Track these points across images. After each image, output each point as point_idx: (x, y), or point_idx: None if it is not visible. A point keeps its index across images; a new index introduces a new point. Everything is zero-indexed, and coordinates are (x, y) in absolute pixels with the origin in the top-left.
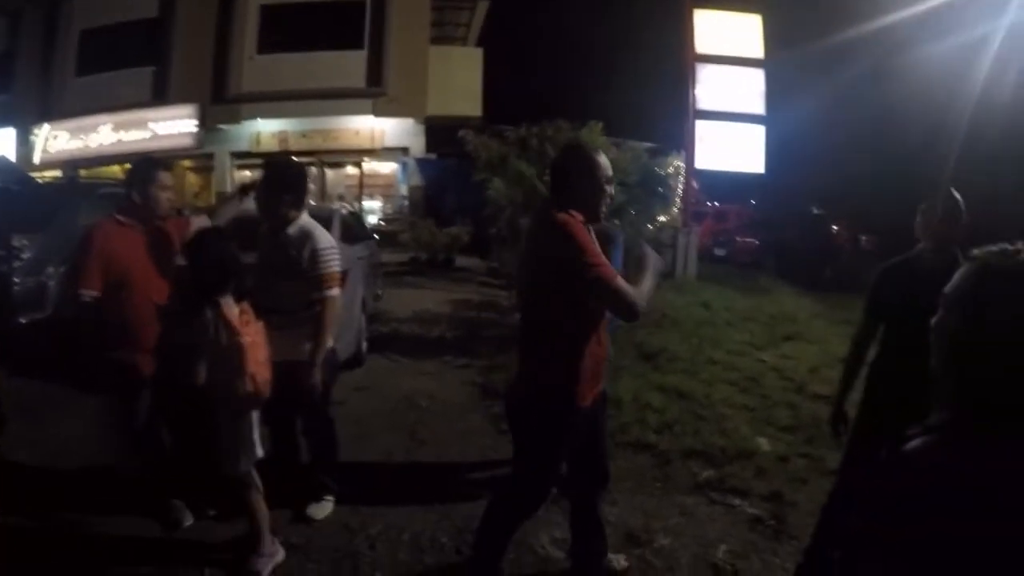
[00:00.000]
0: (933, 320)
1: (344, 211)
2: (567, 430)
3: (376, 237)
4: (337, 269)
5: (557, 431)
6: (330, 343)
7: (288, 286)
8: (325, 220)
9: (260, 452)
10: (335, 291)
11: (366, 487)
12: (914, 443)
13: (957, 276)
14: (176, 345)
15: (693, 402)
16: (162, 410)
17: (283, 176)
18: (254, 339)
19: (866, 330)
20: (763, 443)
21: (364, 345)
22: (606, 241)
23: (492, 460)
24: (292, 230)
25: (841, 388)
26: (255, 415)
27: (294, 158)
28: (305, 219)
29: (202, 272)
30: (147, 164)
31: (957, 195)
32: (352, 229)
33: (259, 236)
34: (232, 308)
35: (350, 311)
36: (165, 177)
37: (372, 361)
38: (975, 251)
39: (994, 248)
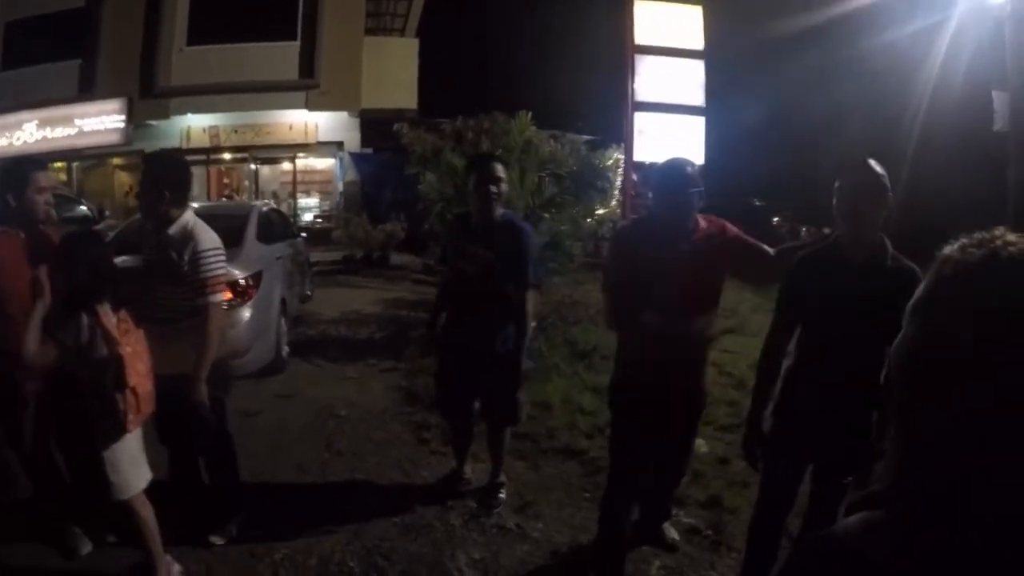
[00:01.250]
0: (894, 343)
1: (265, 208)
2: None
3: (303, 235)
4: (221, 272)
5: None
6: (217, 353)
7: (170, 291)
8: (242, 218)
9: (149, 474)
10: (219, 297)
11: (275, 505)
12: (850, 521)
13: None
14: (55, 358)
15: None
16: (49, 430)
17: (163, 171)
18: (134, 349)
19: (780, 332)
20: (701, 444)
21: (285, 350)
22: (515, 234)
23: (409, 476)
24: (174, 230)
25: (755, 405)
26: (140, 433)
27: (171, 151)
28: (188, 218)
29: (75, 278)
30: (21, 165)
31: (878, 168)
32: (272, 227)
33: (143, 237)
34: (110, 316)
35: (266, 314)
36: (42, 178)
37: (295, 366)
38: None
39: (955, 243)
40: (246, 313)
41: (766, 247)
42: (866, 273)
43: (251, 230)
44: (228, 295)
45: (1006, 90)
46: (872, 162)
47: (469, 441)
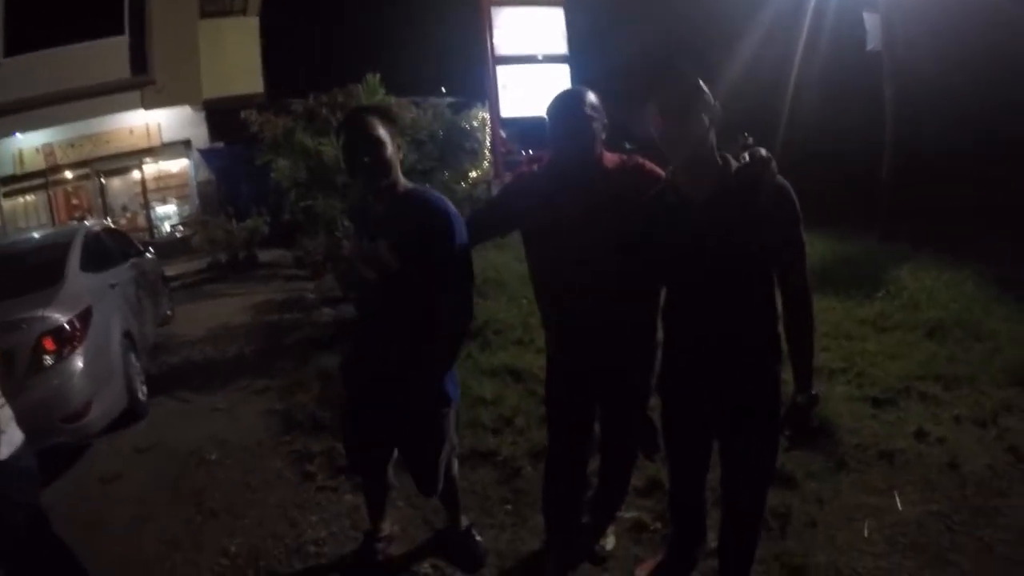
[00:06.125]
0: None
1: (96, 227)
2: None
3: (151, 251)
4: None
5: None
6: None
7: None
8: (61, 247)
9: None
10: None
11: None
12: None
13: None
14: None
15: (532, 382)
16: None
17: None
18: None
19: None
20: None
21: (142, 390)
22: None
23: (297, 527)
24: None
25: None
26: None
27: None
28: None
29: None
30: None
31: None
32: (103, 250)
33: None
34: None
35: (105, 357)
36: None
37: (158, 406)
38: None
39: None
40: (78, 362)
41: None
42: (708, 205)
43: (74, 259)
44: (50, 346)
45: (876, 12)
46: (686, 71)
47: (386, 494)
